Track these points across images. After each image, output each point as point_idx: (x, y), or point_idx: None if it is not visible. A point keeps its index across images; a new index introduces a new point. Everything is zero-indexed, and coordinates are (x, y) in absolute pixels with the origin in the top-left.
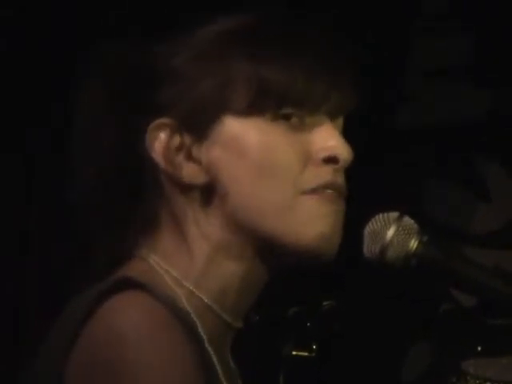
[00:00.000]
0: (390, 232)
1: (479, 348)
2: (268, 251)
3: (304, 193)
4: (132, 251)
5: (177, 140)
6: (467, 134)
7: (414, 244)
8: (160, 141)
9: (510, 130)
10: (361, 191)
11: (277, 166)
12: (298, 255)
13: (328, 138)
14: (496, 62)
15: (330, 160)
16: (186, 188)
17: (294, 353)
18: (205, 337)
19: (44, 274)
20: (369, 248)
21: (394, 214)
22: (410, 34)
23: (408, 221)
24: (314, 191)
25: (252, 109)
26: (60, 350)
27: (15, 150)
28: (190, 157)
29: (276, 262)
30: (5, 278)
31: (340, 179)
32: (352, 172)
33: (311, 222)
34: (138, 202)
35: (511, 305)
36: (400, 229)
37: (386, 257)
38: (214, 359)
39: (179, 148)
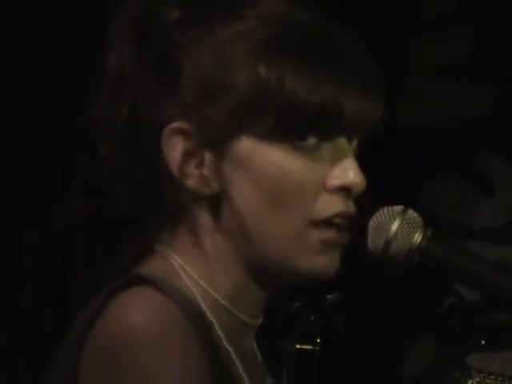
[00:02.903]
0: (395, 225)
1: (483, 342)
2: (267, 269)
3: (314, 223)
4: (152, 247)
5: (191, 147)
6: (470, 131)
7: (418, 238)
8: (174, 146)
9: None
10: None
11: (291, 196)
12: (292, 279)
13: (344, 167)
14: (497, 59)
15: (343, 189)
16: (194, 194)
17: (297, 346)
18: (222, 335)
19: (44, 273)
20: (373, 242)
21: (399, 208)
22: (411, 32)
23: (412, 214)
24: (324, 222)
25: (276, 134)
26: (74, 346)
27: (15, 149)
28: (200, 165)
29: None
30: (5, 277)
31: (351, 208)
32: None
33: (314, 256)
34: (161, 195)
35: None
36: (404, 222)
37: (390, 251)
38: (234, 356)
39: (191, 155)
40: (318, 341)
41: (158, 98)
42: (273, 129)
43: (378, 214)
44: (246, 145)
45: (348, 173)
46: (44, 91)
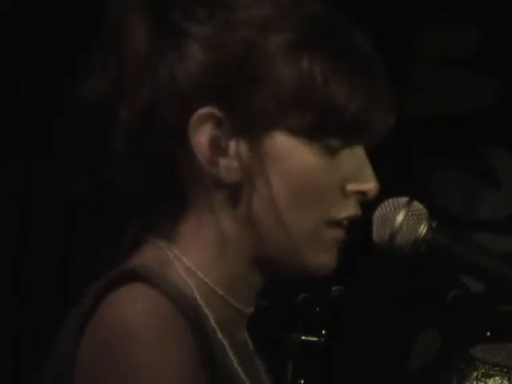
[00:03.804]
0: (400, 217)
1: (488, 333)
2: (273, 261)
3: (328, 224)
4: (148, 237)
5: (220, 135)
6: (475, 124)
7: (423, 229)
8: (203, 133)
9: None
10: None
11: (314, 196)
12: (296, 272)
13: (364, 174)
14: (503, 50)
15: (360, 193)
16: (216, 182)
17: (303, 338)
18: (217, 328)
19: (44, 272)
20: (378, 233)
21: (404, 199)
22: (416, 26)
23: (417, 205)
24: (337, 223)
25: (309, 133)
26: (70, 341)
27: (15, 149)
28: (227, 154)
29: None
30: (5, 277)
31: (359, 211)
32: None
33: (322, 253)
34: (171, 182)
35: None
36: (409, 214)
37: (395, 242)
38: (228, 349)
39: (219, 143)
40: (324, 332)
41: (180, 81)
42: (308, 127)
43: (382, 205)
44: (279, 139)
45: (368, 180)
46: (44, 91)
